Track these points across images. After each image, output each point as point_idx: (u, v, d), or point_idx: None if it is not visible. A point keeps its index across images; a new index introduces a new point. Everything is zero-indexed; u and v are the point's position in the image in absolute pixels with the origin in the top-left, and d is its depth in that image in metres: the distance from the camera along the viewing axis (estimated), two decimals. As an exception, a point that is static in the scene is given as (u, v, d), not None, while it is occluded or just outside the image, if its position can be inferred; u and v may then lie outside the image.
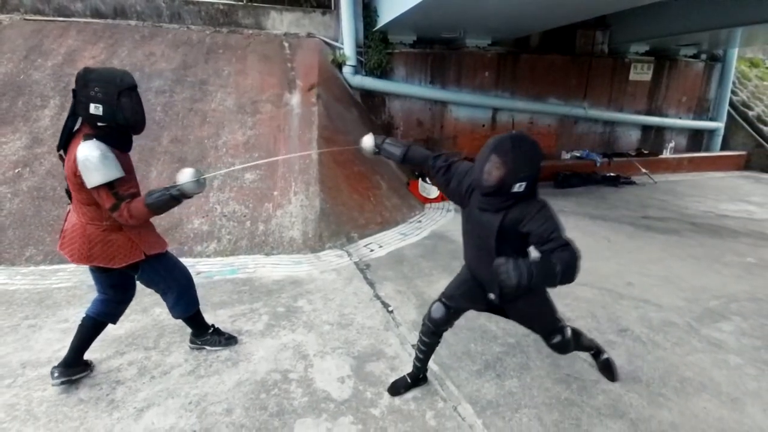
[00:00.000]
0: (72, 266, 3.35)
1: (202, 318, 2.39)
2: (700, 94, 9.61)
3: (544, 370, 2.42)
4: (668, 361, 2.49)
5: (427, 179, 5.83)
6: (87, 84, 1.75)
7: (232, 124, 5.07)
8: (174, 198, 1.84)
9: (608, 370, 2.32)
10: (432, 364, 2.40)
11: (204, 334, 2.39)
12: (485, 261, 1.78)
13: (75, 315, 2.73)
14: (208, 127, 4.96)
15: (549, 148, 8.47)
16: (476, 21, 6.22)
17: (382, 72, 6.94)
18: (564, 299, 3.24)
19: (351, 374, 2.30)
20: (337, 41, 6.68)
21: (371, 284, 3.45)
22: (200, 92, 5.29)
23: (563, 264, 1.55)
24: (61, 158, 1.87)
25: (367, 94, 7.01)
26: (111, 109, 1.77)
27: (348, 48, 6.46)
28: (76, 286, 3.15)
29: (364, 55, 6.76)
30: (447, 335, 2.60)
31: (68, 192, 1.91)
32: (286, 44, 6.31)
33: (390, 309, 3.04)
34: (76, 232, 1.89)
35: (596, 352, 2.30)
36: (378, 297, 3.23)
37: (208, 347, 2.40)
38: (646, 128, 9.33)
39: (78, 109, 1.79)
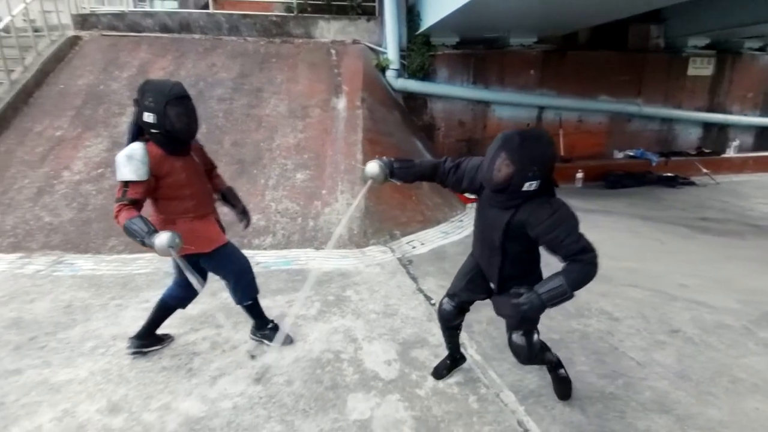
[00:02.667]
0: (149, 255, 3.77)
1: (262, 311, 2.48)
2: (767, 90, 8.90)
3: (588, 365, 2.44)
4: (720, 361, 2.43)
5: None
6: (143, 94, 1.96)
7: (285, 128, 5.41)
8: (143, 243, 1.88)
9: (563, 385, 2.12)
10: (474, 354, 2.50)
11: (263, 328, 2.49)
12: (488, 255, 1.84)
13: (154, 296, 3.07)
14: (263, 131, 5.34)
15: (599, 147, 8.20)
16: (521, 20, 6.19)
17: (425, 74, 7.07)
18: (613, 299, 3.21)
19: (397, 358, 2.45)
20: (380, 46, 6.89)
21: (414, 278, 3.58)
22: (256, 99, 5.69)
23: (572, 280, 1.55)
24: None
25: (409, 96, 7.17)
26: (160, 118, 1.93)
27: (391, 52, 6.66)
28: (153, 272, 3.55)
29: (406, 59, 6.93)
30: (490, 329, 2.73)
31: None
32: (333, 51, 6.61)
33: (432, 302, 3.16)
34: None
35: (555, 365, 2.11)
36: (420, 290, 3.36)
37: (266, 342, 2.48)
38: (707, 126, 8.77)
39: (137, 116, 2.00)
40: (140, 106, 1.96)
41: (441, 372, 2.29)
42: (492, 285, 1.92)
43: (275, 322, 2.53)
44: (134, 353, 2.41)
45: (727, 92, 8.67)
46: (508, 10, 5.32)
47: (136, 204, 1.98)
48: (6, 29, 5.57)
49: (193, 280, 1.99)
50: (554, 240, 1.58)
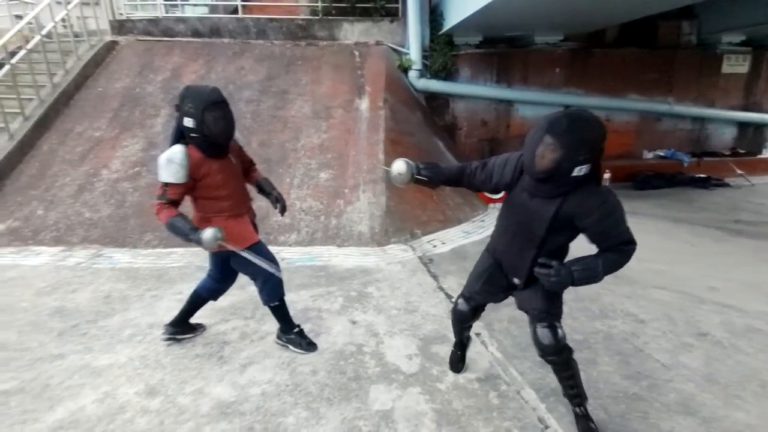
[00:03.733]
0: (182, 249, 3.97)
1: (288, 314, 2.50)
2: (809, 87, 8.47)
3: (612, 366, 2.42)
4: (750, 366, 2.36)
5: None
6: (184, 100, 2.06)
7: (309, 128, 5.54)
8: (188, 239, 2.04)
9: (582, 423, 1.90)
10: (495, 352, 2.52)
11: (289, 332, 2.50)
12: (520, 248, 1.73)
13: (187, 288, 3.23)
14: (289, 131, 5.48)
15: (627, 147, 8.01)
16: (547, 18, 6.11)
17: (447, 74, 7.08)
18: (638, 300, 3.16)
19: (418, 353, 2.50)
20: (403, 47, 6.95)
21: (434, 277, 3.62)
22: (282, 100, 5.85)
23: (607, 266, 1.53)
24: None
25: (431, 96, 7.19)
26: (198, 123, 2.01)
27: (414, 53, 6.70)
28: (186, 266, 3.73)
29: (429, 59, 6.96)
30: (511, 327, 2.74)
31: None
32: (356, 53, 6.71)
33: (453, 300, 3.19)
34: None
35: (576, 395, 1.90)
36: (441, 288, 3.39)
37: (291, 347, 2.48)
38: (742, 125, 8.43)
39: (178, 121, 2.11)
40: (181, 112, 2.07)
41: (457, 365, 2.30)
42: (516, 280, 1.84)
43: (300, 327, 2.54)
44: (168, 339, 2.56)
45: (764, 90, 8.32)
46: (533, 9, 5.26)
47: (175, 204, 2.11)
48: (48, 35, 5.91)
49: (263, 264, 2.21)
50: (603, 232, 1.52)
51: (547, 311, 1.78)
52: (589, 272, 1.56)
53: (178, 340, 2.58)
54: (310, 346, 2.48)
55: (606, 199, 1.53)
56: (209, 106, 2.04)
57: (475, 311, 2.06)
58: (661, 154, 7.96)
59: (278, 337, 2.56)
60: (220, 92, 2.13)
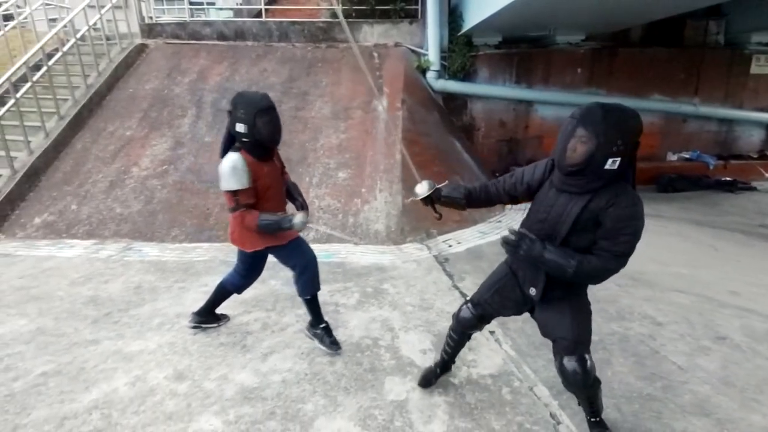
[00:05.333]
0: (207, 244, 4.14)
1: (319, 309, 2.53)
2: None
3: (627, 367, 2.43)
4: (770, 370, 2.34)
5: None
6: (236, 106, 2.16)
7: (328, 129, 5.66)
8: (281, 228, 2.19)
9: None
10: (509, 350, 2.56)
11: (317, 327, 2.53)
12: None
13: (212, 281, 3.39)
14: (309, 132, 5.62)
15: (651, 148, 7.84)
16: (570, 17, 6.04)
17: (465, 75, 7.09)
18: (657, 303, 3.14)
19: (432, 348, 2.56)
20: (422, 48, 7.00)
21: (450, 276, 3.67)
22: (302, 102, 5.99)
23: (584, 268, 1.46)
24: None
25: (449, 97, 7.21)
26: (249, 127, 2.10)
27: (432, 54, 6.74)
28: (211, 259, 3.90)
29: (447, 60, 6.99)
30: (526, 327, 2.76)
31: None
32: (375, 54, 6.80)
33: (468, 299, 3.24)
34: (235, 221, 2.33)
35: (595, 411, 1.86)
36: (456, 287, 3.44)
37: (316, 341, 2.53)
38: (772, 127, 8.15)
39: (230, 127, 2.20)
40: (233, 117, 2.17)
41: (429, 380, 2.17)
42: (533, 291, 1.70)
43: (328, 324, 2.57)
44: (194, 327, 2.71)
45: (796, 91, 8.01)
46: (558, 8, 5.21)
47: (251, 207, 2.22)
48: (82, 38, 6.21)
49: (342, 235, 2.18)
50: (613, 231, 1.44)
51: (576, 340, 1.64)
52: (561, 264, 1.48)
53: (203, 329, 2.72)
54: (332, 345, 2.50)
55: (636, 203, 1.45)
56: (260, 112, 2.13)
57: (481, 320, 1.94)
58: (686, 156, 7.78)
59: (307, 329, 2.61)
60: (269, 98, 2.22)
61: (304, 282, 2.42)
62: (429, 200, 1.92)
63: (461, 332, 2.02)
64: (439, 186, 1.92)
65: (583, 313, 1.70)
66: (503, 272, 1.86)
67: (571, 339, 1.64)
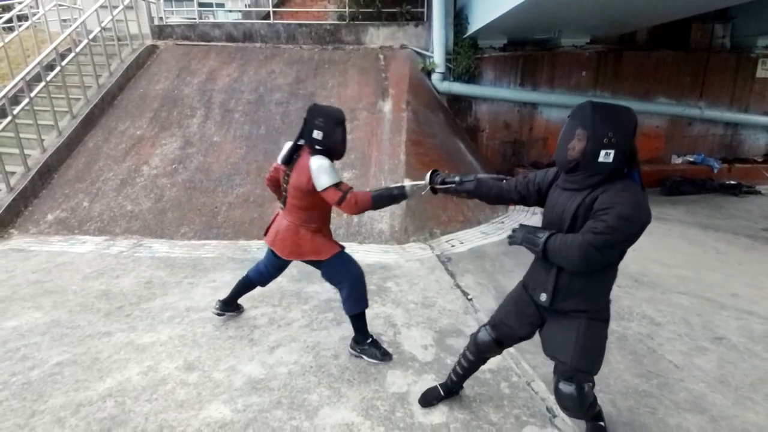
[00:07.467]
0: (215, 241, 4.23)
1: (365, 325, 2.50)
2: None
3: (624, 365, 2.48)
4: (765, 369, 2.38)
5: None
6: (314, 116, 2.22)
7: (334, 128, 5.73)
8: (394, 197, 2.26)
9: None
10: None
11: (363, 343, 2.48)
12: None
13: (220, 277, 3.52)
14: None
15: (656, 151, 7.86)
16: (576, 20, 6.07)
17: (470, 77, 7.15)
18: (657, 304, 3.19)
19: (433, 344, 2.63)
20: (427, 50, 7.07)
21: (452, 275, 3.73)
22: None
23: (554, 243, 1.50)
24: (285, 173, 2.32)
25: (454, 99, 7.27)
26: (326, 135, 2.22)
27: (437, 56, 6.81)
28: (218, 256, 3.99)
29: (452, 62, 7.05)
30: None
31: (284, 200, 2.38)
32: (381, 56, 6.88)
33: (470, 297, 3.30)
34: (288, 232, 2.34)
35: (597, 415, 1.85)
36: (458, 286, 3.50)
37: (366, 357, 2.46)
38: (778, 131, 8.12)
39: (305, 133, 2.28)
40: (310, 125, 2.25)
41: (430, 401, 2.09)
42: (543, 296, 1.64)
43: (374, 337, 2.54)
44: (218, 314, 2.84)
45: (803, 95, 7.98)
46: (563, 10, 5.24)
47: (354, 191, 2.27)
48: (94, 38, 6.35)
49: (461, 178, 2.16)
50: (599, 215, 1.41)
51: (576, 368, 1.56)
52: (532, 236, 1.58)
53: (222, 316, 2.84)
54: (385, 356, 2.46)
55: (638, 198, 1.41)
56: (339, 123, 2.26)
57: (499, 344, 1.85)
58: (691, 159, 7.77)
59: (352, 348, 2.53)
60: (343, 113, 2.34)
61: (354, 299, 2.40)
62: (437, 186, 2.01)
63: (478, 356, 1.94)
64: (438, 171, 2.04)
65: (593, 340, 1.60)
66: (517, 290, 1.85)
67: (570, 366, 1.57)
